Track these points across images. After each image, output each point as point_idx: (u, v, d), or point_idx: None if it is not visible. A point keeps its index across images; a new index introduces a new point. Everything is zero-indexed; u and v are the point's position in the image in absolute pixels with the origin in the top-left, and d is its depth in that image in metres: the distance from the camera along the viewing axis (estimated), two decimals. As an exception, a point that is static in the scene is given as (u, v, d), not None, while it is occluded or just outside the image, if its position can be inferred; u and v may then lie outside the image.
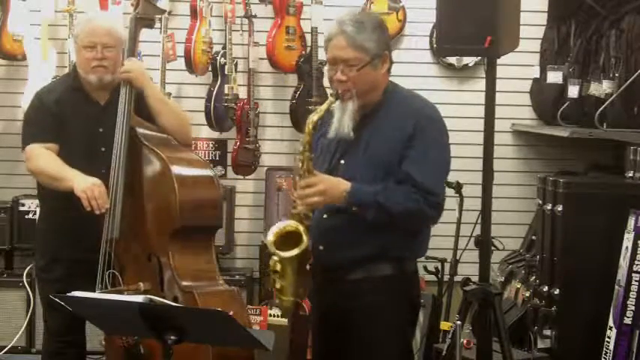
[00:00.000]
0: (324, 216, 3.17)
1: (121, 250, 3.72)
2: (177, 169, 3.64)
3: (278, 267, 3.11)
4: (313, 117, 3.11)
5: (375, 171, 3.10)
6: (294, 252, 3.06)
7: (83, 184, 3.62)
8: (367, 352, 3.17)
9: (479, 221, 3.65)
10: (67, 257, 3.86)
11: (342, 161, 3.17)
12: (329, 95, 3.16)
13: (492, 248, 3.70)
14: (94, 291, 3.67)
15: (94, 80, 3.84)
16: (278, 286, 3.14)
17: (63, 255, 3.87)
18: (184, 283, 3.58)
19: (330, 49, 3.14)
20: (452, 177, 5.05)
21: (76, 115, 3.87)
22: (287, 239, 3.10)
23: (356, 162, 3.14)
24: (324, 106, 3.11)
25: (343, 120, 3.12)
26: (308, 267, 3.17)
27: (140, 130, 3.77)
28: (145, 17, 3.86)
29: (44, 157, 3.80)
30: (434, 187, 3.06)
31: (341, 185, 3.06)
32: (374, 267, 3.14)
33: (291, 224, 3.12)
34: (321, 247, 3.19)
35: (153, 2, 3.91)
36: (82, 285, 3.52)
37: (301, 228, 3.09)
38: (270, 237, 3.12)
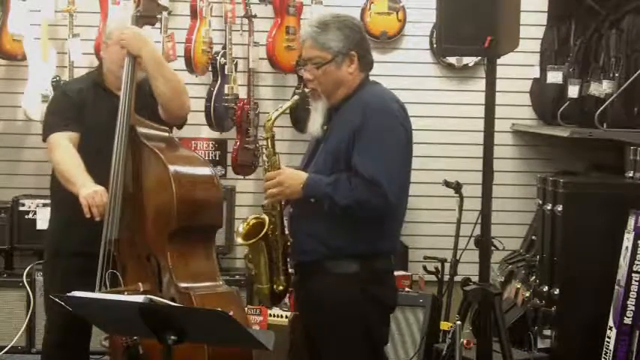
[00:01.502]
0: (291, 210, 3.31)
1: (122, 250, 3.70)
2: (175, 169, 3.61)
3: (250, 256, 3.29)
4: (273, 114, 3.29)
5: (327, 160, 3.22)
6: (252, 240, 3.24)
7: (86, 191, 3.64)
8: (333, 350, 3.21)
9: (479, 221, 3.65)
10: (72, 251, 3.86)
11: (316, 156, 3.28)
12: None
13: (492, 248, 3.70)
14: (94, 289, 3.68)
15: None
16: (253, 273, 3.32)
17: (68, 248, 3.88)
18: (182, 285, 3.56)
19: (302, 50, 3.33)
20: (452, 177, 5.10)
21: (96, 106, 3.91)
22: (257, 229, 3.27)
23: (320, 155, 3.26)
24: (286, 105, 3.33)
25: (315, 119, 3.29)
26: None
27: (141, 130, 3.74)
28: (146, 15, 3.85)
29: (62, 153, 3.83)
30: (377, 177, 3.10)
31: (299, 178, 3.20)
32: (337, 264, 3.20)
33: (256, 215, 3.30)
34: (292, 240, 3.30)
35: (155, 0, 3.90)
36: (84, 281, 3.57)
37: (265, 218, 3.26)
38: (240, 229, 3.31)
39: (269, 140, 3.27)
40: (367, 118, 3.15)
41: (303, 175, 3.21)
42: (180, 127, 4.19)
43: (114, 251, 3.68)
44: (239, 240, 3.28)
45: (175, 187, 3.57)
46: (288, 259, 3.32)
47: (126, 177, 3.69)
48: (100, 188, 3.66)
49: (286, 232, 3.30)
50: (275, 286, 3.30)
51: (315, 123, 3.29)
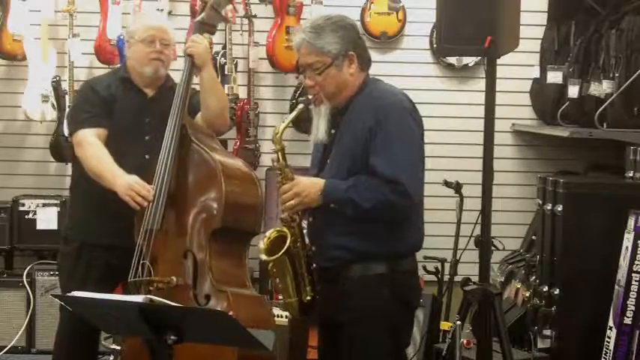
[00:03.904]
0: (311, 219, 3.28)
1: (158, 243, 3.71)
2: (225, 170, 3.67)
3: (274, 270, 3.22)
4: (281, 126, 3.25)
5: (343, 162, 3.18)
6: (276, 255, 3.19)
7: (123, 188, 3.67)
8: (359, 351, 3.19)
9: (479, 221, 3.65)
10: (98, 244, 3.88)
11: (329, 161, 3.26)
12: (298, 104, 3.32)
13: (492, 248, 3.70)
14: (112, 285, 3.76)
15: (149, 72, 3.93)
16: (280, 287, 3.27)
17: (94, 241, 3.90)
18: (218, 284, 3.59)
19: (298, 57, 3.29)
20: (452, 177, 5.10)
21: (124, 102, 3.95)
22: (278, 243, 3.23)
23: (334, 158, 3.22)
24: (292, 115, 3.29)
25: (319, 125, 3.24)
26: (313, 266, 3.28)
27: (190, 130, 3.81)
28: (209, 23, 3.92)
29: (92, 149, 3.84)
30: (398, 176, 3.08)
31: (316, 185, 3.17)
32: (365, 266, 3.18)
33: (277, 229, 3.25)
34: (313, 248, 3.28)
35: (219, 10, 3.93)
36: (105, 276, 3.70)
37: (287, 231, 3.21)
38: (261, 244, 3.25)
39: (279, 153, 3.25)
40: (381, 117, 3.12)
41: (320, 182, 3.18)
42: None
43: (150, 242, 3.68)
44: (262, 257, 3.23)
45: (225, 187, 3.63)
46: (312, 267, 3.28)
47: (173, 171, 3.73)
48: (133, 177, 3.70)
49: (307, 241, 3.27)
50: (303, 297, 3.26)
51: (320, 129, 3.24)
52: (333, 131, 3.25)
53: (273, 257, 3.19)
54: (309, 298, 3.26)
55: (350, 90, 3.23)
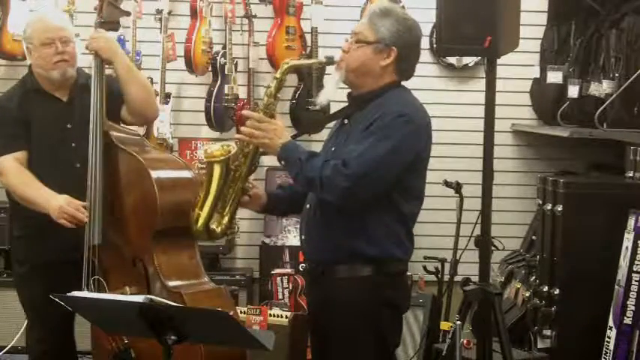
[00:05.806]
0: (307, 206, 3.26)
1: (104, 256, 3.67)
2: (155, 172, 3.62)
3: (203, 180, 3.23)
4: (293, 61, 3.31)
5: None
6: (212, 158, 3.18)
7: (56, 212, 3.57)
8: (347, 352, 3.19)
9: (479, 221, 3.65)
10: (47, 262, 3.78)
11: (333, 148, 3.24)
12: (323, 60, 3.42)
13: (492, 248, 3.70)
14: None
15: (56, 76, 3.79)
16: (197, 198, 3.27)
17: (42, 260, 3.80)
18: (171, 284, 3.57)
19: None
20: (452, 177, 5.10)
21: (41, 115, 3.82)
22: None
23: (338, 151, 3.19)
24: (310, 60, 3.47)
25: (327, 88, 3.32)
26: (247, 198, 3.33)
27: (114, 134, 3.73)
28: (109, 21, 3.81)
29: (16, 176, 3.74)
30: (349, 161, 3.03)
31: (284, 137, 3.17)
32: (351, 267, 3.17)
33: (231, 145, 3.24)
34: (303, 237, 3.30)
35: (117, 5, 3.83)
36: (67, 291, 3.52)
37: (235, 147, 3.21)
38: (213, 147, 3.25)
39: (277, 82, 3.22)
40: (381, 119, 3.09)
41: (288, 137, 3.18)
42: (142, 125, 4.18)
43: (94, 258, 3.62)
44: (201, 154, 3.23)
45: (158, 188, 3.57)
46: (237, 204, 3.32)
47: (104, 182, 3.65)
48: (64, 198, 3.60)
49: (250, 184, 3.31)
50: (211, 223, 3.25)
51: (327, 92, 3.35)
52: (345, 121, 3.25)
53: (209, 159, 3.18)
54: (217, 229, 3.26)
55: (370, 80, 3.20)
